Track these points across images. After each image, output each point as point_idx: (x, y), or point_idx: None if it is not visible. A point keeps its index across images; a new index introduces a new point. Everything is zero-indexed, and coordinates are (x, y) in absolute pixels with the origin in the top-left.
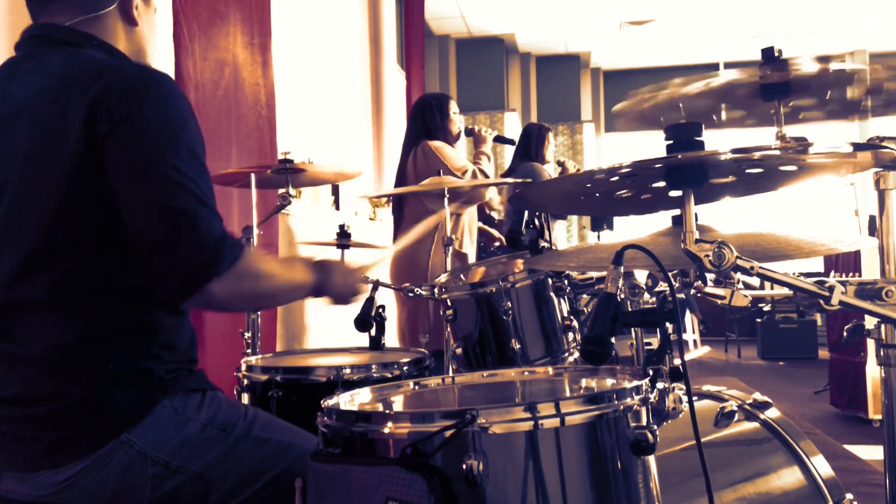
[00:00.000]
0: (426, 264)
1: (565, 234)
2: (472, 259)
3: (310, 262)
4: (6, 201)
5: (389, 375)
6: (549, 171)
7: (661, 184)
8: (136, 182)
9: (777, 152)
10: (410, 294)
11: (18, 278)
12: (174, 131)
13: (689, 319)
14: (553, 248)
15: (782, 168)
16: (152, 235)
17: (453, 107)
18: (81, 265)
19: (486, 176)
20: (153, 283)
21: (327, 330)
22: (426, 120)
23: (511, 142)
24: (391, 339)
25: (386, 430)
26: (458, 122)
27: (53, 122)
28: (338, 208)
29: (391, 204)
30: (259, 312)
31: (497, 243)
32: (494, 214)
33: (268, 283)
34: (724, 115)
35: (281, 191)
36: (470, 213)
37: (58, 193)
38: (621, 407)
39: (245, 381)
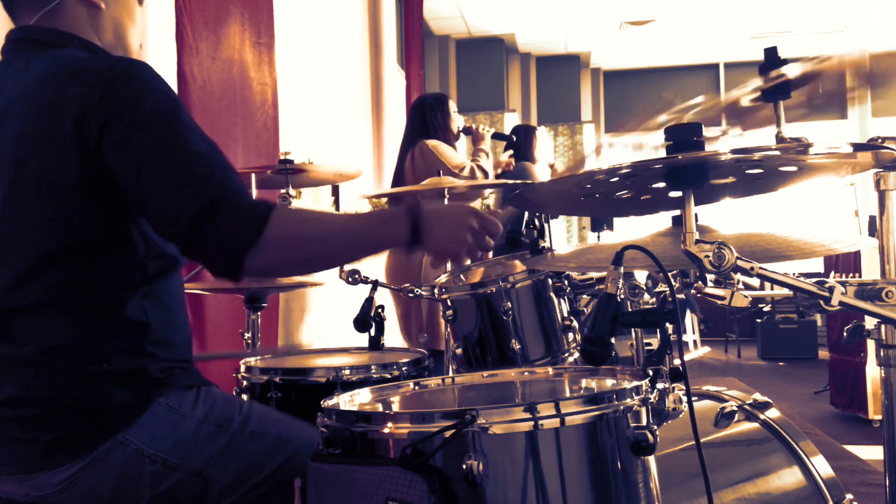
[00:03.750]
0: (419, 264)
1: (565, 234)
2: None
3: (404, 209)
4: None
5: (389, 376)
6: (540, 170)
7: (661, 184)
8: (150, 174)
9: (777, 153)
10: (410, 294)
11: (15, 287)
12: (169, 111)
13: (689, 320)
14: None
15: (782, 168)
16: (186, 219)
17: (452, 106)
18: (79, 271)
19: (485, 172)
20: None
21: (327, 330)
22: (427, 119)
23: (510, 138)
24: (393, 336)
25: (386, 431)
26: (457, 120)
27: (40, 127)
28: (338, 208)
29: (388, 204)
30: (259, 312)
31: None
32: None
33: (316, 242)
34: (723, 123)
35: (281, 191)
36: None
37: (53, 201)
38: (621, 407)
39: (244, 382)
